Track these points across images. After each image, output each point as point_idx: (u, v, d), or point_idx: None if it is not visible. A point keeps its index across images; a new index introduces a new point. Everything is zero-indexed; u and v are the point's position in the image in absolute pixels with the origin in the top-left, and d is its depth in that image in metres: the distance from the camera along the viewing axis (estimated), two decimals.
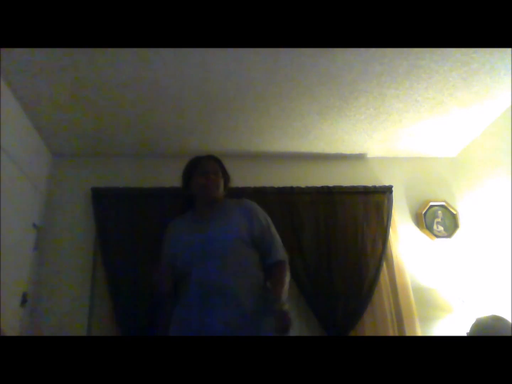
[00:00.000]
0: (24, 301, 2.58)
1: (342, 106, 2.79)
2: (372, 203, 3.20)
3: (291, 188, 3.19)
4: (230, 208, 1.75)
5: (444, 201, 3.34)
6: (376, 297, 2.93)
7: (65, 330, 2.65)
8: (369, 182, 3.29)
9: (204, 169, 1.79)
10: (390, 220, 3.16)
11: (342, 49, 2.24)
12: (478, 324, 2.29)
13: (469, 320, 2.55)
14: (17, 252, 2.56)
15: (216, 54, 2.25)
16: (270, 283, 1.67)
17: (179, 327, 1.62)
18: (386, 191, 3.26)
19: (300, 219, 3.08)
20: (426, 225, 3.25)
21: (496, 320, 2.25)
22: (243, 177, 2.98)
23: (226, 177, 1.86)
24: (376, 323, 2.86)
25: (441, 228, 3.27)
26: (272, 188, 3.15)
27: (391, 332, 2.81)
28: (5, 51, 2.10)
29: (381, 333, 2.81)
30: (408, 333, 2.81)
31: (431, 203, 3.32)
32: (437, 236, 3.24)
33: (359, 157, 3.46)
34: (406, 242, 3.18)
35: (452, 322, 2.94)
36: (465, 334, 2.52)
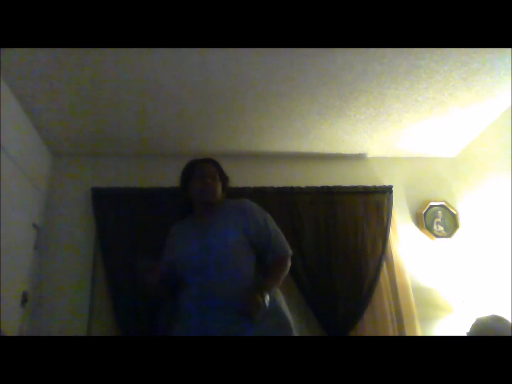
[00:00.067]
0: (24, 301, 2.58)
1: (342, 106, 2.79)
2: (372, 203, 3.20)
3: (291, 188, 3.19)
4: (228, 211, 1.73)
5: (444, 201, 3.34)
6: (376, 297, 2.93)
7: (65, 330, 2.65)
8: (369, 182, 3.29)
9: (201, 173, 1.77)
10: (390, 220, 3.16)
11: (342, 49, 2.25)
12: (478, 324, 2.29)
13: (469, 320, 2.55)
14: (17, 252, 2.56)
15: (216, 54, 2.26)
16: (264, 275, 1.64)
17: (179, 334, 1.62)
18: (386, 191, 3.26)
19: (300, 219, 3.08)
20: (426, 225, 3.25)
21: (496, 320, 2.25)
22: (243, 177, 2.98)
23: (224, 179, 1.84)
24: (376, 323, 2.86)
25: (441, 228, 3.28)
26: (272, 188, 3.16)
27: (391, 332, 2.82)
28: (5, 51, 2.10)
29: (381, 333, 2.81)
30: (408, 333, 2.82)
31: (431, 203, 3.32)
32: (437, 236, 3.24)
33: (359, 157, 3.46)
34: (406, 242, 3.18)
35: (452, 322, 2.94)
36: (465, 334, 2.52)
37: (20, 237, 2.62)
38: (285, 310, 1.63)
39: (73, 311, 2.74)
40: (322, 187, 3.21)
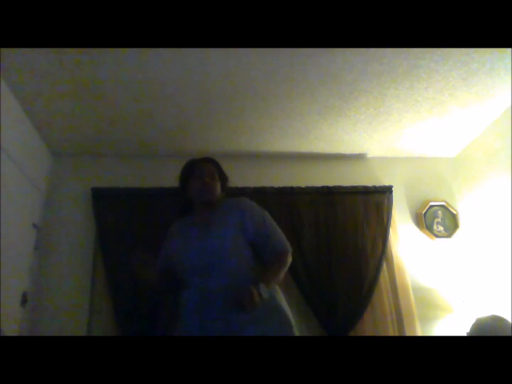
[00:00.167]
0: (24, 301, 2.58)
1: (342, 106, 2.79)
2: (372, 203, 3.21)
3: (291, 188, 3.19)
4: (227, 211, 1.73)
5: (444, 201, 3.34)
6: (376, 297, 2.93)
7: (65, 330, 2.65)
8: (369, 182, 3.29)
9: (200, 172, 1.77)
10: (390, 220, 3.16)
11: (342, 49, 2.24)
12: (478, 324, 2.30)
13: (469, 320, 2.55)
14: (17, 252, 2.55)
15: (216, 54, 2.26)
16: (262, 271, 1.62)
17: (180, 334, 1.62)
18: (386, 191, 3.26)
19: (300, 219, 3.08)
20: (426, 225, 3.25)
21: (496, 320, 2.25)
22: (243, 177, 2.99)
23: (223, 179, 1.84)
24: (376, 323, 2.86)
25: (441, 228, 3.28)
26: (272, 188, 3.15)
27: (391, 332, 2.82)
28: (5, 51, 2.10)
29: (381, 333, 2.81)
30: (408, 333, 2.82)
31: (431, 203, 3.32)
32: (437, 236, 3.24)
33: (359, 157, 3.46)
34: (406, 242, 3.18)
35: (452, 322, 2.94)
36: (465, 334, 2.52)
37: (20, 237, 2.62)
38: (285, 308, 1.62)
39: (73, 311, 2.74)
40: (322, 187, 3.21)
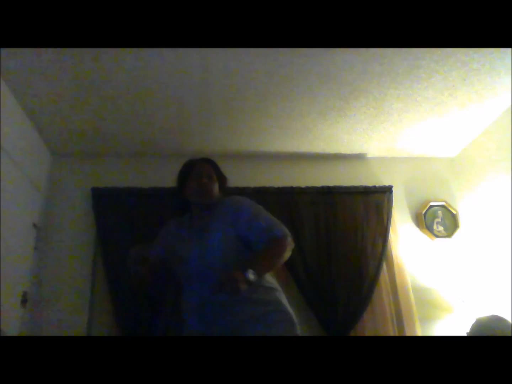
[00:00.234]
0: (24, 301, 2.58)
1: (342, 106, 2.79)
2: (372, 203, 3.20)
3: (291, 188, 3.19)
4: (224, 211, 1.72)
5: (444, 201, 3.34)
6: (376, 297, 2.93)
7: (65, 330, 2.65)
8: (369, 182, 3.29)
9: (197, 173, 1.76)
10: (390, 220, 3.16)
11: (342, 49, 2.25)
12: (478, 324, 2.30)
13: (469, 320, 2.56)
14: (17, 252, 2.56)
15: (216, 54, 2.26)
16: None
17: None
18: (386, 191, 3.26)
19: (300, 219, 3.08)
20: (426, 225, 3.25)
21: (496, 320, 2.25)
22: (243, 177, 2.99)
23: (221, 179, 1.82)
24: (376, 323, 2.86)
25: (441, 228, 3.27)
26: (272, 188, 3.15)
27: (391, 332, 2.81)
28: (5, 51, 2.10)
29: (381, 333, 2.81)
30: (408, 333, 2.81)
31: (431, 203, 3.32)
32: (437, 236, 3.24)
33: (359, 157, 3.46)
34: (406, 242, 3.18)
35: (452, 322, 2.93)
36: (465, 334, 2.52)
37: (20, 237, 2.62)
38: (286, 305, 1.62)
39: (73, 311, 2.74)
40: (322, 187, 3.21)
